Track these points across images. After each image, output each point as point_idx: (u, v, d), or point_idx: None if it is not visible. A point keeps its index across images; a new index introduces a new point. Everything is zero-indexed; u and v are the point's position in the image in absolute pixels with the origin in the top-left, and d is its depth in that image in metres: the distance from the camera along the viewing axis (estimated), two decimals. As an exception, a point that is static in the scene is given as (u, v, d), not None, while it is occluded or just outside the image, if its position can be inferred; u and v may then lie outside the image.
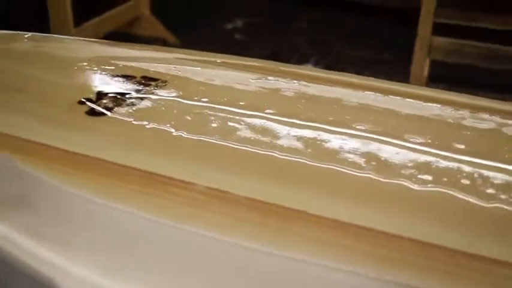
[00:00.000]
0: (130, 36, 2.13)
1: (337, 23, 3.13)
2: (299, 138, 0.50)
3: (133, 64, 0.63)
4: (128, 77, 0.61)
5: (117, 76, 0.60)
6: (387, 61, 2.93)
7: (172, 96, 0.57)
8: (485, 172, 0.46)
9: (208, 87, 0.59)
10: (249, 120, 0.52)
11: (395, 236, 0.37)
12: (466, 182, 0.44)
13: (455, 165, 0.47)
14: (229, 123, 0.51)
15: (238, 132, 0.50)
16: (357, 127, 0.51)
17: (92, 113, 0.54)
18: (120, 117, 0.53)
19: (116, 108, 0.54)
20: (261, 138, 0.49)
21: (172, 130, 0.51)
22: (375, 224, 0.38)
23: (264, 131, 0.50)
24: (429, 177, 0.44)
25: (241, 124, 0.51)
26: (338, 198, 0.42)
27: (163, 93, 0.58)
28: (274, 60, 0.68)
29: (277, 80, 0.62)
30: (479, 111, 0.57)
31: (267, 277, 0.37)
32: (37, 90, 0.57)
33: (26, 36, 0.69)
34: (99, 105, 0.54)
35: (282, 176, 0.44)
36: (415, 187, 0.43)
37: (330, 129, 0.52)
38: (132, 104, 0.55)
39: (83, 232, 0.44)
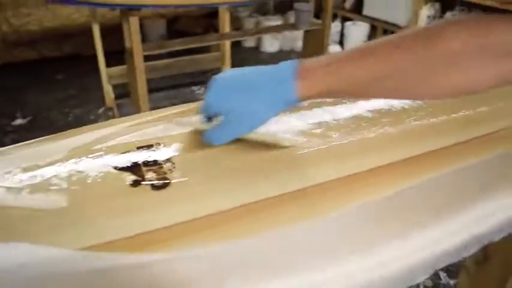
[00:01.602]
0: None
1: (31, 80, 3.08)
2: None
3: (114, 143, 0.56)
4: (126, 153, 0.54)
5: (119, 155, 0.53)
6: (75, 96, 3.10)
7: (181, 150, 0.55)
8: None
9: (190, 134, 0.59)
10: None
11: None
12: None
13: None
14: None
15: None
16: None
17: (157, 188, 0.48)
18: (180, 180, 0.50)
19: (166, 175, 0.50)
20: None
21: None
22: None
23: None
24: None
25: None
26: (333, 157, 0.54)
27: (172, 152, 0.55)
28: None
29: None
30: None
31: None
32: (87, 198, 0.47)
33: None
34: (152, 180, 0.49)
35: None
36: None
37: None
38: (171, 168, 0.51)
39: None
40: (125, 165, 0.54)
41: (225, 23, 3.12)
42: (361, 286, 0.44)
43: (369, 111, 0.68)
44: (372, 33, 4.10)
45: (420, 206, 0.57)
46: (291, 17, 4.03)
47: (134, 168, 0.54)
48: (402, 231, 0.53)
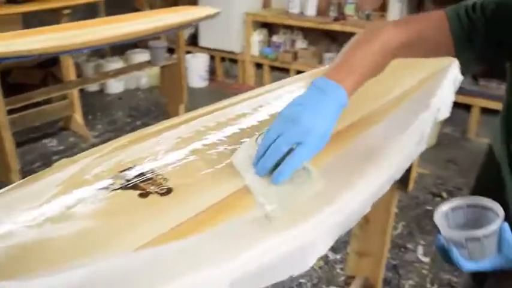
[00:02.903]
0: None
1: None
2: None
3: (97, 171, 0.66)
4: (113, 177, 0.65)
5: (107, 179, 0.64)
6: None
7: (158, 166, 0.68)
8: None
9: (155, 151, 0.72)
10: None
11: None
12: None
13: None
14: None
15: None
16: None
17: (164, 194, 0.61)
18: (178, 184, 0.63)
19: (163, 184, 0.63)
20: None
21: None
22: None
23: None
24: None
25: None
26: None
27: (152, 167, 0.68)
28: None
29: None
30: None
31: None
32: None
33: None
34: (157, 190, 0.61)
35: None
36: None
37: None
38: (162, 178, 0.64)
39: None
40: (123, 185, 0.63)
41: (69, 70, 3.07)
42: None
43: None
44: (212, 63, 4.44)
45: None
46: (130, 58, 4.13)
47: (132, 185, 0.63)
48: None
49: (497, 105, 3.24)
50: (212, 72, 4.51)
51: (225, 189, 0.63)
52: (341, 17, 3.85)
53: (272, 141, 0.62)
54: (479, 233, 0.63)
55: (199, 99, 4.02)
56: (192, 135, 0.81)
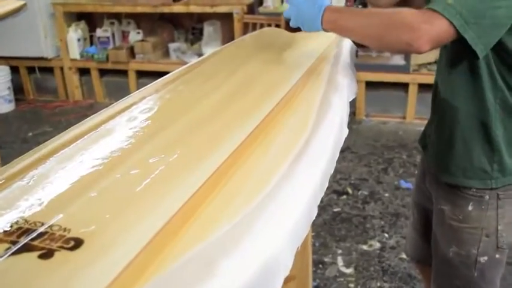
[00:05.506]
0: None
1: None
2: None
3: None
4: None
5: None
6: None
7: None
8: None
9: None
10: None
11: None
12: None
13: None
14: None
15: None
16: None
17: (73, 248, 0.62)
18: (85, 231, 0.64)
19: (67, 235, 0.63)
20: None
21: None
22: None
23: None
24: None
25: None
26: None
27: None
28: None
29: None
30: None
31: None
32: None
33: None
34: (62, 246, 0.62)
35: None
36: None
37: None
38: (61, 229, 0.65)
39: None
40: (9, 250, 0.60)
41: None
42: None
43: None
44: (16, 77, 4.20)
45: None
46: None
47: (23, 246, 0.60)
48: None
49: (382, 77, 3.67)
50: (18, 89, 4.26)
51: (146, 228, 0.65)
52: (182, -5, 3.96)
53: None
54: None
55: (7, 128, 3.77)
56: (72, 166, 0.80)
